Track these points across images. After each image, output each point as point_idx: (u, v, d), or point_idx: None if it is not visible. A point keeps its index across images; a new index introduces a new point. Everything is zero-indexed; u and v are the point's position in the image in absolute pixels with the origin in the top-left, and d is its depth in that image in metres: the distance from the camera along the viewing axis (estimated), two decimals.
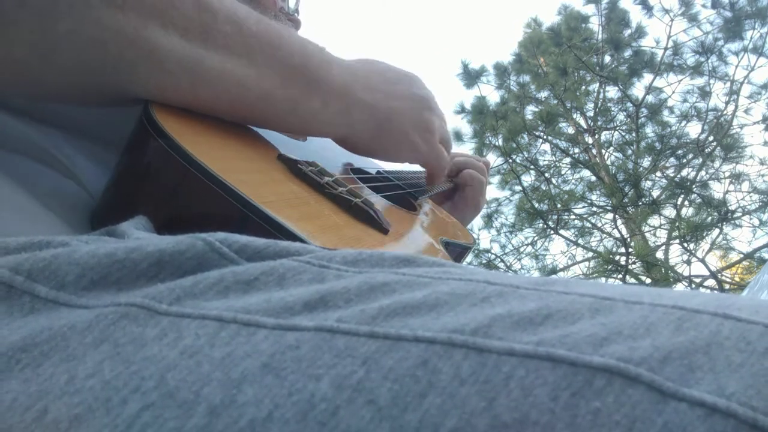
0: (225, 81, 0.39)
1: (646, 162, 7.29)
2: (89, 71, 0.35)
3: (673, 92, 7.66)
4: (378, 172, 0.69)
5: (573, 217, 7.55)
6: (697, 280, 6.81)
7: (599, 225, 7.77)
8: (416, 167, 0.69)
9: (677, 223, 6.69)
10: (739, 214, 6.95)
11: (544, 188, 7.46)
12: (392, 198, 0.60)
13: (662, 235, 7.39)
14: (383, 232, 0.45)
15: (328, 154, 0.55)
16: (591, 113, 8.01)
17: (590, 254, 7.65)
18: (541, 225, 7.35)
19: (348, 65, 0.49)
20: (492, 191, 7.87)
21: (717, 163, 7.25)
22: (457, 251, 0.64)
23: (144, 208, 0.35)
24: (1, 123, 0.38)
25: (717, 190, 7.19)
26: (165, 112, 0.37)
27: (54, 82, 0.35)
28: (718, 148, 7.09)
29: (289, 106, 0.43)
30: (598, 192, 7.52)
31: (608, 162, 7.72)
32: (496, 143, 7.44)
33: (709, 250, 7.12)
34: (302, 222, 0.37)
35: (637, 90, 7.73)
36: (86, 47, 0.34)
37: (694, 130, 8.07)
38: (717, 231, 6.91)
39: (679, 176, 7.33)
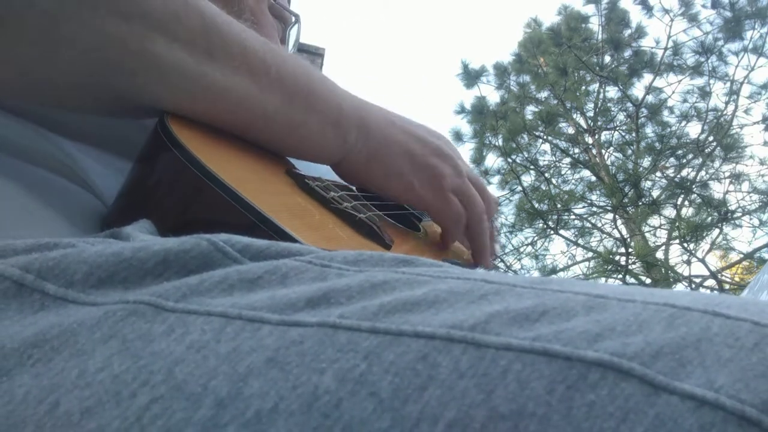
0: (226, 98, 0.39)
1: (646, 162, 7.30)
2: (89, 76, 0.35)
3: (673, 92, 7.68)
4: None
5: (573, 217, 7.56)
6: (697, 280, 6.82)
7: (599, 225, 7.78)
8: None
9: (677, 223, 6.69)
10: (739, 214, 6.96)
11: (544, 188, 7.46)
12: (396, 218, 0.60)
13: (662, 235, 7.40)
14: (386, 248, 0.46)
15: (333, 172, 0.55)
16: (591, 113, 8.01)
17: (590, 254, 7.65)
18: (541, 225, 7.35)
19: (354, 97, 0.49)
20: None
21: (717, 163, 7.26)
22: None
23: (155, 214, 0.35)
24: (14, 133, 0.39)
25: (717, 190, 7.21)
26: (180, 124, 0.38)
27: (53, 84, 0.36)
28: (718, 148, 7.09)
29: (288, 127, 0.44)
30: (598, 192, 7.53)
31: (608, 162, 7.73)
32: (496, 143, 7.45)
33: (709, 250, 7.12)
34: (306, 231, 0.37)
35: (637, 90, 7.75)
36: (87, 52, 0.34)
37: (694, 130, 8.08)
38: (717, 231, 6.92)
39: (679, 176, 7.33)
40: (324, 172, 0.53)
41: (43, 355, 0.21)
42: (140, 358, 0.20)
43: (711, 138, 7.19)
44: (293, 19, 0.68)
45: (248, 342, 0.20)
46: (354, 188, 0.58)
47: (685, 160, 7.39)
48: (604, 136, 8.04)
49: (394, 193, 0.52)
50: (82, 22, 0.33)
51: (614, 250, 7.31)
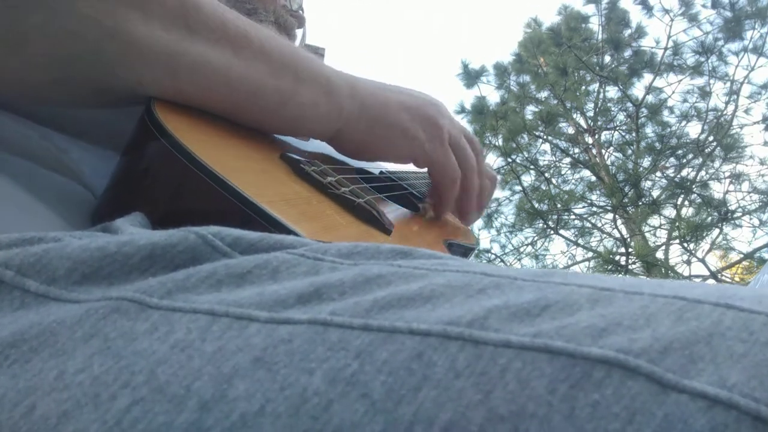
0: (209, 74, 0.38)
1: (646, 162, 7.29)
2: (65, 64, 0.34)
3: (673, 92, 7.67)
4: (381, 173, 0.68)
5: (573, 217, 7.55)
6: (697, 281, 6.81)
7: (599, 225, 7.77)
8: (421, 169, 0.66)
9: (677, 223, 6.69)
10: (739, 214, 6.95)
11: (544, 188, 7.46)
12: (395, 198, 0.59)
13: (662, 235, 7.39)
14: (386, 233, 0.45)
15: (330, 154, 0.54)
16: (591, 113, 8.01)
17: (590, 254, 7.65)
18: (541, 225, 7.35)
19: (340, 71, 0.48)
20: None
21: (717, 163, 7.25)
22: (460, 252, 0.64)
23: (145, 205, 0.34)
24: (3, 126, 0.38)
25: (717, 190, 7.20)
26: (167, 110, 0.37)
27: (29, 78, 0.34)
28: (718, 148, 7.08)
29: (278, 100, 0.42)
30: (598, 192, 7.53)
31: (608, 162, 7.72)
32: (496, 143, 7.44)
33: (709, 250, 7.12)
34: (304, 222, 0.36)
35: (637, 90, 7.74)
36: (61, 39, 0.33)
37: (694, 130, 8.07)
38: (717, 231, 6.91)
39: (679, 176, 7.33)
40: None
41: (20, 356, 0.20)
42: (122, 358, 0.19)
43: (711, 138, 7.19)
44: None
45: (235, 341, 0.19)
46: (349, 167, 0.57)
47: (685, 160, 7.38)
48: (604, 136, 8.04)
49: (401, 152, 0.51)
50: (50, 10, 0.32)
51: (614, 250, 7.30)
